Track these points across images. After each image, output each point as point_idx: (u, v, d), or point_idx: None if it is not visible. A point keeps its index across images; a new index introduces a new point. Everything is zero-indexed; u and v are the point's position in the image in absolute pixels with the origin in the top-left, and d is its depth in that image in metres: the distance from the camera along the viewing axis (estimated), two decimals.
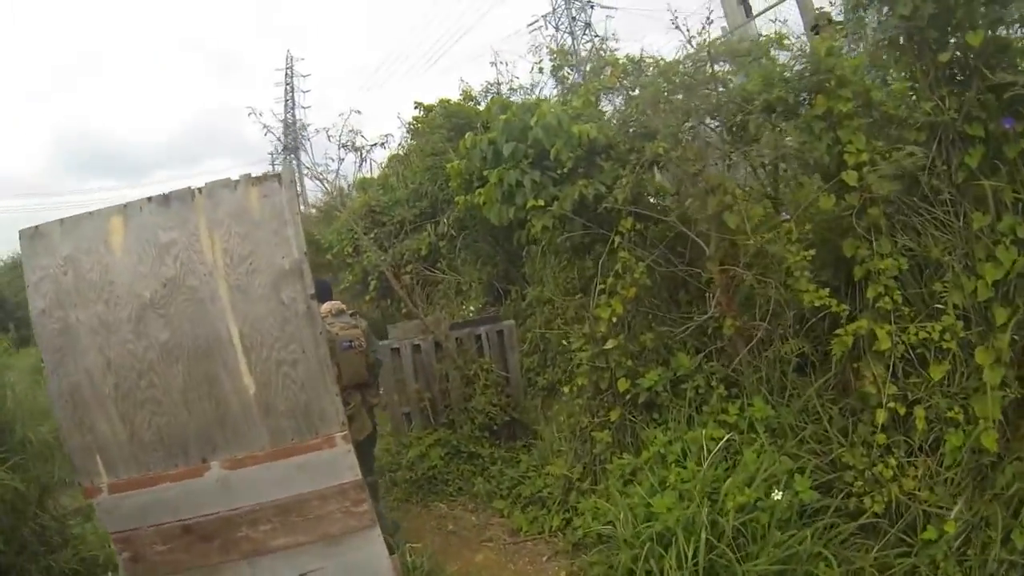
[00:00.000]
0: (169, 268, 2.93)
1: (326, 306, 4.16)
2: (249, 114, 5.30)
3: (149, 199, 2.98)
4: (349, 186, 10.16)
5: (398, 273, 8.36)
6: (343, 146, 5.70)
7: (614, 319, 3.68)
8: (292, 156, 11.42)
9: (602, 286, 3.80)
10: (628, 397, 3.95)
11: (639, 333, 3.95)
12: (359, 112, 5.88)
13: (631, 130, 4.27)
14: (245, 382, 2.93)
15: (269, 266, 2.90)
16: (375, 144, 5.84)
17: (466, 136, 4.58)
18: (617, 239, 3.75)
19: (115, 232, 2.98)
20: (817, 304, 3.08)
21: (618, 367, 3.94)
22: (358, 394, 4.20)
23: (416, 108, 9.12)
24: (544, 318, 6.68)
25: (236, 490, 3.02)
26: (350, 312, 4.42)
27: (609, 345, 3.74)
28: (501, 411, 5.45)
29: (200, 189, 2.95)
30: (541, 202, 4.17)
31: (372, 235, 8.30)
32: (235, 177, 2.95)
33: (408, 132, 9.31)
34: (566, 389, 4.44)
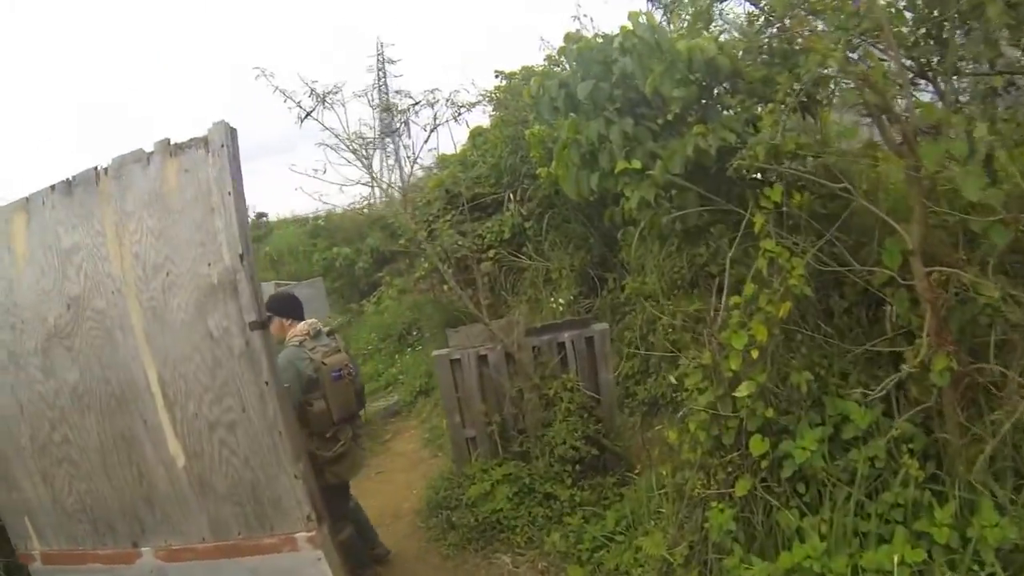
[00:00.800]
0: (73, 283, 2.06)
1: (302, 326, 3.36)
2: (257, 77, 4.08)
3: (52, 188, 2.10)
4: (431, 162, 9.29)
5: (480, 259, 7.42)
6: (383, 108, 4.53)
7: (754, 353, 2.33)
8: (389, 139, 10.81)
9: (736, 299, 2.44)
10: (764, 463, 2.60)
11: (787, 368, 2.56)
12: (392, 62, 4.40)
13: (761, 57, 2.84)
14: (171, 449, 2.00)
15: (192, 278, 1.91)
16: (416, 104, 4.63)
17: (531, 81, 3.34)
18: (759, 219, 2.37)
19: (18, 235, 2.14)
20: None
21: (751, 418, 2.59)
22: (348, 427, 3.41)
23: (496, 77, 8.13)
24: (646, 316, 5.39)
25: None
26: (327, 330, 3.54)
27: (743, 391, 2.40)
28: (587, 443, 4.25)
29: (107, 169, 2.02)
30: (636, 164, 2.84)
31: (449, 217, 7.34)
32: (150, 148, 1.98)
33: (489, 103, 8.25)
34: (672, 435, 3.14)
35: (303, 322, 3.43)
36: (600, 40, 3.19)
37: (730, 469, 2.80)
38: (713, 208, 2.79)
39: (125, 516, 2.15)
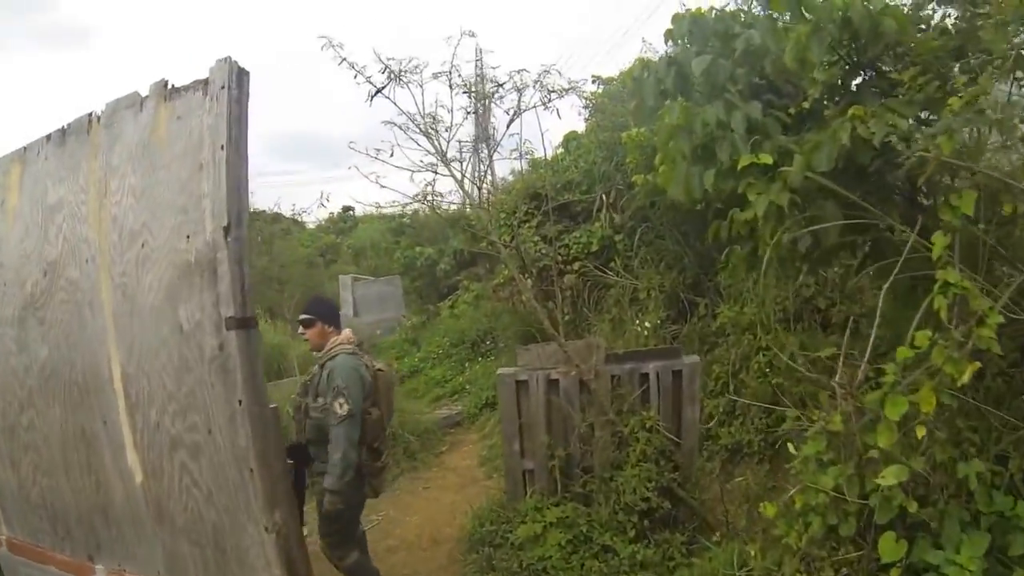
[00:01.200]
0: (52, 246, 1.76)
1: (348, 333, 3.19)
2: (323, 47, 3.48)
3: (48, 137, 1.81)
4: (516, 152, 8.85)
5: (564, 271, 6.88)
6: (465, 91, 3.97)
7: (920, 431, 1.65)
8: (483, 144, 10.57)
9: (905, 351, 1.75)
10: (895, 573, 1.94)
11: (947, 453, 1.86)
12: (472, 34, 3.64)
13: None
14: (129, 460, 1.63)
15: (167, 253, 1.52)
16: (501, 86, 4.01)
17: (634, 62, 2.77)
18: (940, 240, 1.67)
19: (12, 189, 1.88)
20: None
21: (884, 508, 1.91)
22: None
23: (594, 82, 7.78)
24: (741, 352, 4.64)
25: None
26: (355, 342, 3.22)
27: (889, 478, 1.71)
28: (660, 493, 3.61)
29: (100, 116, 1.69)
30: (767, 158, 2.17)
31: (533, 223, 6.87)
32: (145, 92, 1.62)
33: (586, 107, 7.78)
34: (770, 509, 2.44)
35: (346, 330, 3.25)
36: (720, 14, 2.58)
37: (844, 570, 2.12)
38: (860, 220, 2.10)
39: (82, 524, 1.86)
